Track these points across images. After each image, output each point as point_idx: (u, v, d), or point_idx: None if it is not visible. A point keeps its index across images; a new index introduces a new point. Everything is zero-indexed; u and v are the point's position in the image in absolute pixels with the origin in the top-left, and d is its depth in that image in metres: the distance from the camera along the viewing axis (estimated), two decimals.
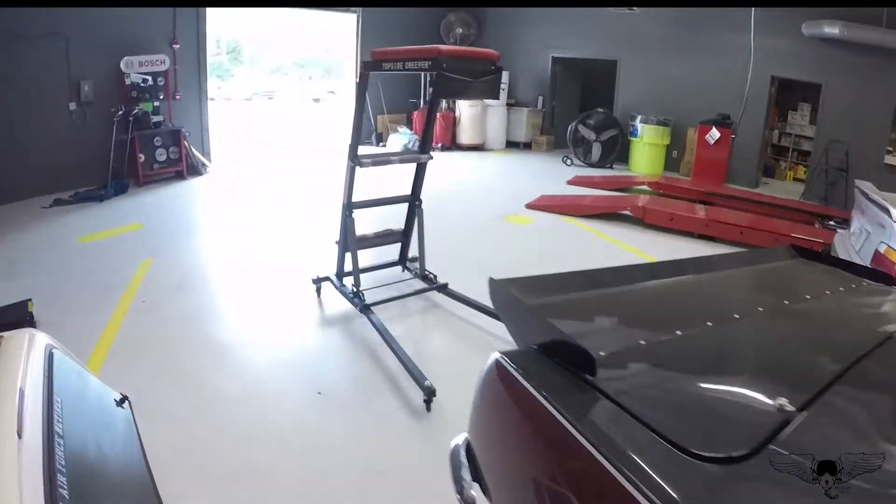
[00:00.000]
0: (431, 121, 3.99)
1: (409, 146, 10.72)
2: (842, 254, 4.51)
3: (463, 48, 3.03)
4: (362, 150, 3.72)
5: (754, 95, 9.24)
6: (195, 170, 8.48)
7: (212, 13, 8.73)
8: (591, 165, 10.37)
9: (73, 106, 7.31)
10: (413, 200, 4.04)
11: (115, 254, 5.20)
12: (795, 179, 10.78)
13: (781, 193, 9.01)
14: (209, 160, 8.88)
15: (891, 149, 8.81)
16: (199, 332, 3.71)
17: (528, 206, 7.11)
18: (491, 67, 3.09)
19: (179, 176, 8.25)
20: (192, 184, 8.09)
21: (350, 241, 3.74)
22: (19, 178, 6.99)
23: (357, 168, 3.58)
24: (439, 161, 10.24)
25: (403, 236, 4.23)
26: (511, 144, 11.81)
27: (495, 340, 3.44)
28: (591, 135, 10.35)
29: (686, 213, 6.49)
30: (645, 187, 8.48)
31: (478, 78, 2.95)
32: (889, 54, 7.97)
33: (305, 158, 10.44)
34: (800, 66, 9.02)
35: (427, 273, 4.15)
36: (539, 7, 11.18)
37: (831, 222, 7.30)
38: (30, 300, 3.87)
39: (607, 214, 6.75)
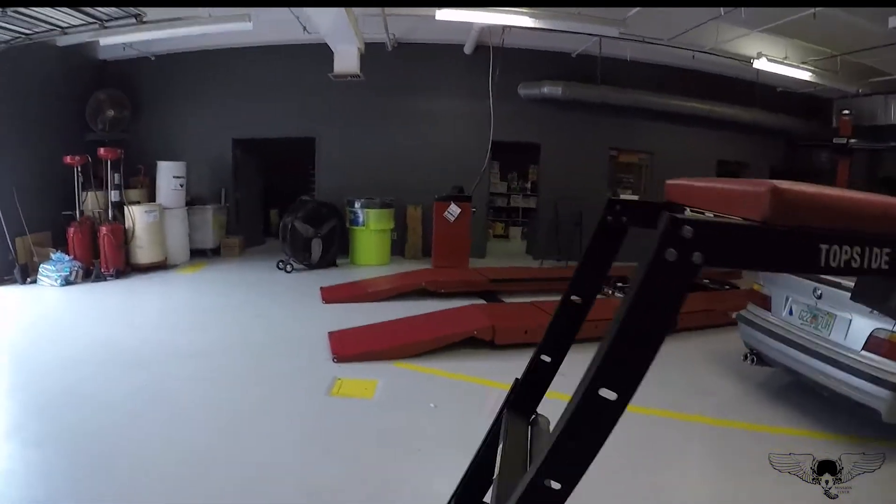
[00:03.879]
0: None
1: (73, 279, 6.72)
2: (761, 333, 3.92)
3: None
4: None
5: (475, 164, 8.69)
6: None
7: None
8: (313, 267, 7.96)
9: None
10: None
11: None
12: (496, 236, 11.74)
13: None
14: None
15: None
16: None
17: (339, 359, 4.50)
18: None
19: None
20: None
21: None
22: None
23: None
24: (117, 300, 6.49)
25: None
26: (197, 253, 8.44)
27: None
28: (308, 230, 8.00)
29: (538, 320, 5.06)
30: (423, 286, 6.76)
31: None
32: (597, 109, 8.35)
33: None
34: (519, 128, 8.88)
35: None
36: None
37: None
38: None
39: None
